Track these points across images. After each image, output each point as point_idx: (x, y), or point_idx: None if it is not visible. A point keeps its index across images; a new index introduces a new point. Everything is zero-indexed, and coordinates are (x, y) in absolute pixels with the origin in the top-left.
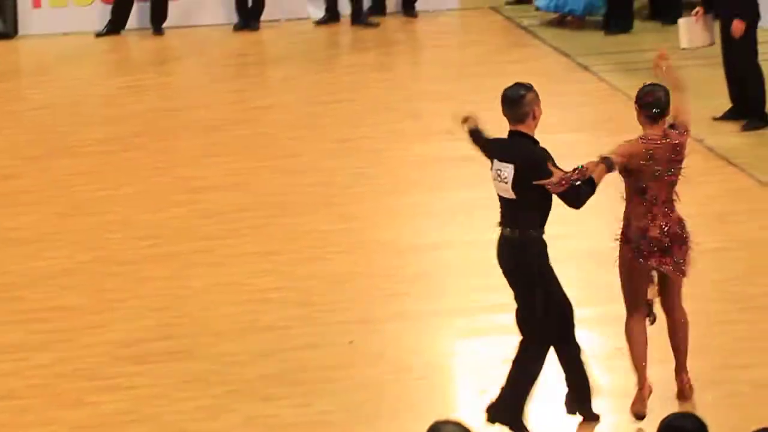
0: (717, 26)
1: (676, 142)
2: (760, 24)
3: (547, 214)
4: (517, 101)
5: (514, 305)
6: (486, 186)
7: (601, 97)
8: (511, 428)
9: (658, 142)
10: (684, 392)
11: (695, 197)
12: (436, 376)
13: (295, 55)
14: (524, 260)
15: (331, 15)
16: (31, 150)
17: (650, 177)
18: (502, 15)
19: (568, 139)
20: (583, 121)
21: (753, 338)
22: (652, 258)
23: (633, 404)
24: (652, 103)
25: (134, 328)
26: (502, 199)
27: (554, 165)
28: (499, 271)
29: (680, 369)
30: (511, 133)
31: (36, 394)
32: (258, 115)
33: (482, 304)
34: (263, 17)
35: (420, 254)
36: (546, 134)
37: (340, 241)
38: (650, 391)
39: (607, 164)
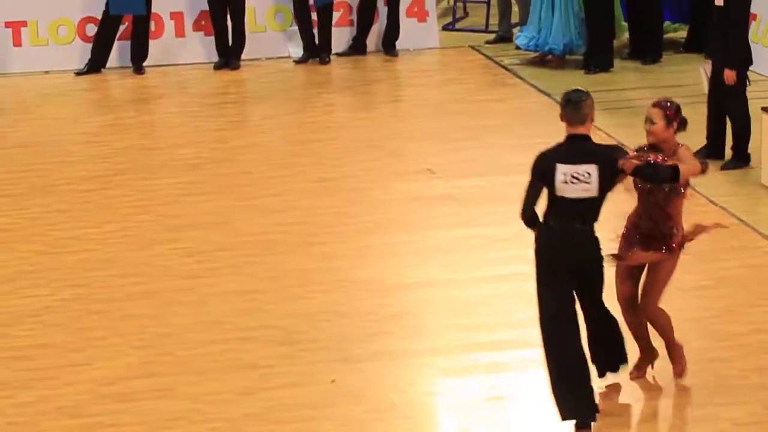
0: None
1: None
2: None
3: None
4: (581, 104)
5: (495, 344)
6: (468, 225)
7: None
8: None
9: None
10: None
11: None
12: (419, 415)
13: (276, 93)
14: (597, 250)
15: (310, 53)
16: (10, 188)
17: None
18: (482, 54)
19: None
20: None
21: (734, 376)
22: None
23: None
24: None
25: (117, 366)
26: (574, 200)
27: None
28: (482, 310)
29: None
30: (573, 136)
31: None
32: (238, 154)
33: (464, 342)
34: (244, 56)
35: (402, 293)
36: (527, 174)
37: (321, 279)
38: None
39: (704, 168)
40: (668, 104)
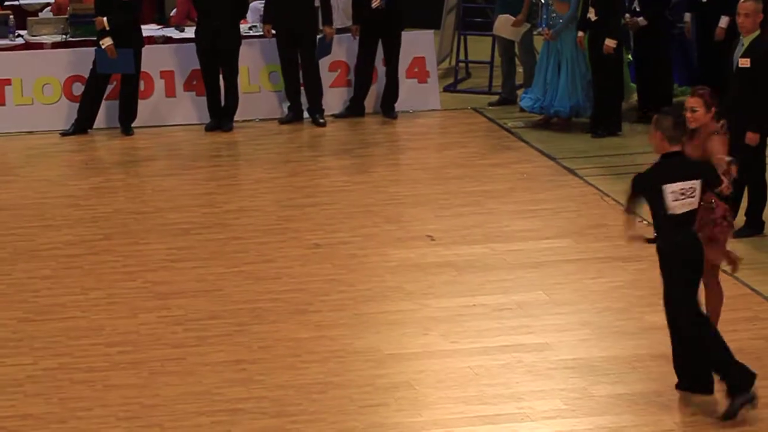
0: None
1: None
2: None
3: None
4: (685, 124)
5: (496, 418)
6: (468, 293)
7: (589, 202)
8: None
9: None
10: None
11: None
12: None
13: (270, 156)
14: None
15: (295, 114)
16: None
17: None
18: (484, 116)
19: (554, 246)
20: (571, 226)
21: None
22: None
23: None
24: None
25: None
26: (678, 214)
27: None
28: (483, 382)
29: None
30: (673, 153)
31: None
32: (230, 218)
33: (464, 416)
34: (237, 117)
35: (399, 364)
36: (531, 240)
37: (315, 349)
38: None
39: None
40: (705, 92)
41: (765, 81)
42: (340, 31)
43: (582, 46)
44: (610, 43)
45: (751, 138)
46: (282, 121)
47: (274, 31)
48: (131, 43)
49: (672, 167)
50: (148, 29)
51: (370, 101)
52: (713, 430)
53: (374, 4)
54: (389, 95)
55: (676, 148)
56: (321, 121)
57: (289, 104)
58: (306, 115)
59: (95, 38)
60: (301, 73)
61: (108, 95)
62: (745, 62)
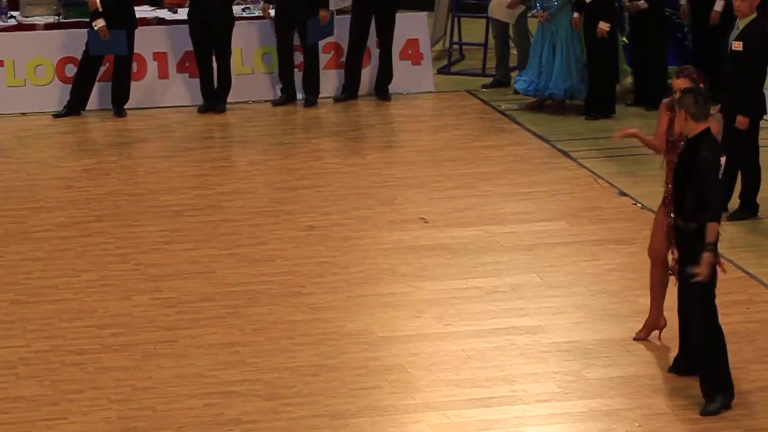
0: None
1: None
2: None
3: None
4: (708, 100)
5: (488, 401)
6: (461, 276)
7: (583, 185)
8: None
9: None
10: None
11: None
12: None
13: (263, 138)
14: None
15: (288, 96)
16: None
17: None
18: (478, 98)
19: (548, 228)
20: (565, 209)
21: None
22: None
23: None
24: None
25: (93, 421)
26: None
27: None
28: (475, 364)
29: None
30: (706, 131)
31: None
32: (223, 200)
33: (456, 398)
34: (230, 99)
35: (392, 346)
36: (525, 223)
37: (308, 332)
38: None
39: None
40: (690, 70)
41: (757, 65)
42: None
43: (577, 27)
44: (603, 26)
45: (741, 121)
46: (275, 103)
47: (272, 11)
48: (124, 24)
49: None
50: (141, 11)
51: (364, 83)
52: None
53: None
54: (383, 77)
55: (704, 125)
56: (313, 101)
57: (281, 86)
58: (299, 96)
59: (88, 19)
60: (302, 55)
61: (101, 77)
62: (738, 46)
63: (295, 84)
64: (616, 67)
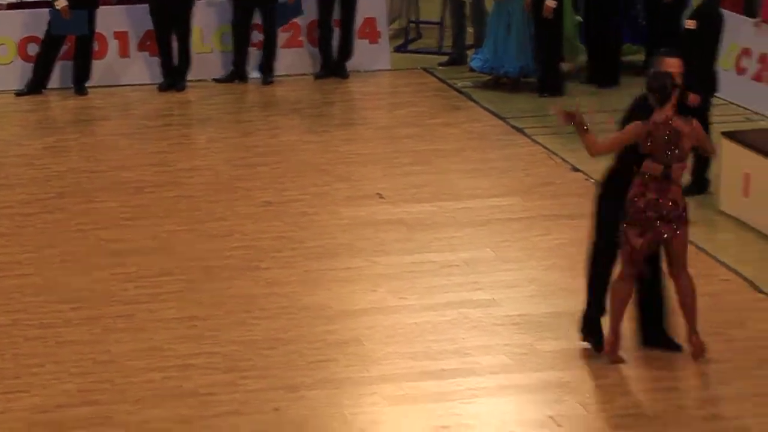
0: None
1: (676, 128)
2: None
3: None
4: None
5: (442, 373)
6: (417, 251)
7: (537, 161)
8: None
9: (660, 123)
10: (696, 352)
11: None
12: None
13: (222, 116)
14: None
15: (235, 73)
16: None
17: (647, 153)
18: (435, 76)
19: (502, 204)
20: (519, 185)
21: (690, 407)
22: (636, 227)
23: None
24: (657, 89)
25: (53, 394)
26: None
27: None
28: (429, 337)
29: (690, 331)
30: None
31: None
32: (182, 177)
33: (411, 371)
34: (190, 77)
35: (348, 320)
36: (479, 198)
37: (265, 306)
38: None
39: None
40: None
41: (709, 43)
42: None
43: (528, 9)
44: (549, 3)
45: (693, 99)
46: (219, 80)
47: None
48: (85, 4)
49: None
50: None
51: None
52: (656, 383)
53: None
54: (342, 54)
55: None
56: (270, 80)
57: (233, 63)
58: (254, 75)
59: None
60: (263, 34)
61: (62, 56)
62: (691, 24)
63: (243, 63)
64: (560, 45)
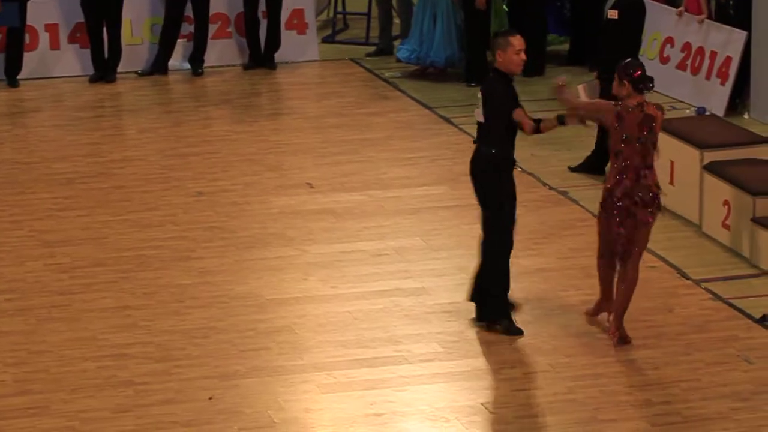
0: None
1: (649, 113)
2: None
3: None
4: None
5: (374, 361)
6: (347, 240)
7: (464, 150)
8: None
9: (630, 108)
10: (618, 340)
11: (560, 250)
12: None
13: (152, 106)
14: None
15: (155, 66)
16: None
17: (620, 140)
18: (362, 67)
19: (431, 193)
20: (447, 173)
21: (620, 392)
22: (615, 216)
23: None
24: (642, 78)
25: None
26: None
27: None
28: (361, 326)
29: (614, 318)
30: None
31: None
32: (114, 168)
33: (343, 359)
34: (120, 68)
35: (280, 309)
36: (408, 187)
37: (198, 295)
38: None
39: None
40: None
41: (631, 33)
42: None
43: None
44: None
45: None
46: (142, 73)
47: None
48: None
49: None
50: None
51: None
52: (587, 370)
53: None
54: (270, 46)
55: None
56: (200, 71)
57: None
58: (185, 66)
59: None
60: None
61: None
62: (613, 14)
63: (165, 56)
64: (487, 34)
